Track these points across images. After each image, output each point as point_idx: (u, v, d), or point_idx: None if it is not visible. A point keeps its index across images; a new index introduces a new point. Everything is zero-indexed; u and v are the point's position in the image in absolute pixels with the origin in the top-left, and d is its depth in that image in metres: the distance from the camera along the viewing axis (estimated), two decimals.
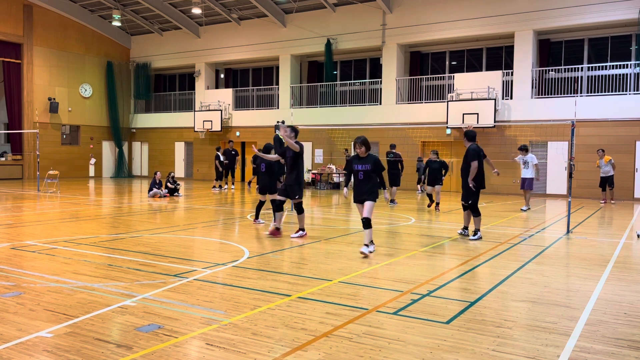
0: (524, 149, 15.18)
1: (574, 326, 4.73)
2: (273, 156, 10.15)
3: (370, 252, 7.89)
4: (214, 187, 21.20)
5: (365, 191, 7.92)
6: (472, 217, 9.87)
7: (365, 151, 8.02)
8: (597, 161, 17.82)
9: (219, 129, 27.28)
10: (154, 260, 7.31)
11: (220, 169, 21.12)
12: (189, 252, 8.19)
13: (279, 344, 4.20)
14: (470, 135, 9.87)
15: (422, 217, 13.11)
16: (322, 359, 3.92)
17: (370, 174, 7.93)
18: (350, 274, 6.69)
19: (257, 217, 11.16)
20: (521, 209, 14.91)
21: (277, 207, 9.69)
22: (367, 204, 7.85)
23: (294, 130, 9.41)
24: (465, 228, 9.95)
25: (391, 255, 8.02)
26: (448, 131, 22.06)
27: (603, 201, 17.84)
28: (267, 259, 7.60)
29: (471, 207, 9.71)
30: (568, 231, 10.64)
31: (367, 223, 7.86)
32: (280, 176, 10.87)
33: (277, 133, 15.01)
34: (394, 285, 6.14)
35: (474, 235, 9.59)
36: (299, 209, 9.51)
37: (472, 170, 9.49)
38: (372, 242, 8.02)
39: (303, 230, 9.57)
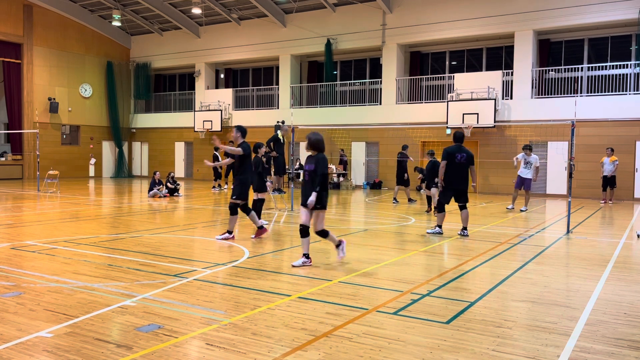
0: (529, 149, 14.98)
1: (574, 326, 4.73)
2: (225, 161, 9.70)
3: (306, 263, 7.08)
4: (214, 187, 21.22)
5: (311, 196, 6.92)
6: (465, 217, 10.04)
7: (310, 148, 7.03)
8: (603, 158, 17.71)
9: (219, 129, 27.27)
10: (154, 260, 7.31)
11: (220, 170, 21.17)
12: (189, 252, 8.19)
13: (279, 344, 4.20)
14: (455, 136, 10.06)
15: (422, 218, 13.10)
16: (322, 359, 3.92)
17: (315, 175, 6.92)
18: (350, 274, 6.68)
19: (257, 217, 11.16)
20: (520, 210, 14.84)
21: (232, 210, 9.15)
22: (319, 215, 7.00)
23: (240, 129, 9.14)
24: (464, 229, 9.95)
25: (391, 255, 8.01)
26: (448, 131, 22.02)
27: (603, 201, 17.83)
28: (267, 259, 7.60)
29: (438, 203, 10.10)
30: (568, 231, 10.64)
31: (324, 233, 7.09)
32: (266, 175, 10.87)
33: (276, 133, 15.02)
34: (394, 285, 6.14)
35: (433, 229, 10.10)
36: (232, 210, 9.08)
37: (439, 169, 9.95)
38: (307, 255, 7.12)
39: (230, 233, 9.15)
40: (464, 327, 4.64)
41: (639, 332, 4.61)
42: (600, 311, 5.21)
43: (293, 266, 7.00)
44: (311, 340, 4.27)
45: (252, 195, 10.50)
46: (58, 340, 4.21)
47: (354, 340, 4.30)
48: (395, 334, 4.45)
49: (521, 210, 14.74)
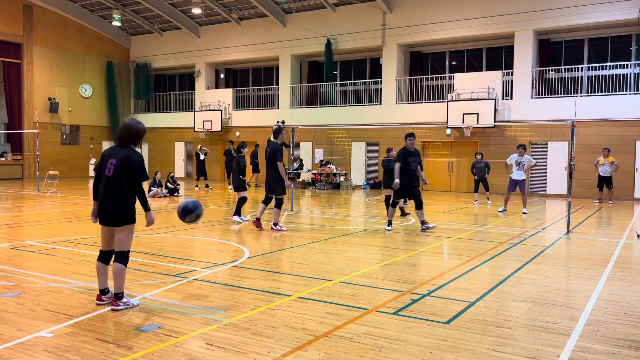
0: (523, 148, 14.19)
1: (574, 326, 4.73)
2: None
3: (130, 305, 5.04)
4: (197, 186, 21.78)
5: (112, 205, 5.06)
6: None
7: (126, 137, 5.16)
8: (602, 160, 17.56)
9: (219, 129, 27.28)
10: (154, 260, 7.31)
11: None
12: (189, 252, 8.19)
13: (279, 344, 4.20)
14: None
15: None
16: (322, 359, 3.92)
17: (119, 176, 5.05)
18: (350, 274, 6.68)
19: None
20: (500, 210, 14.41)
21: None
22: (121, 234, 5.10)
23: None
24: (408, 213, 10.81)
25: (391, 255, 8.02)
26: (448, 131, 22.04)
27: (597, 201, 17.83)
28: (267, 259, 7.60)
29: (393, 202, 10.85)
30: (568, 231, 10.64)
31: (123, 256, 5.08)
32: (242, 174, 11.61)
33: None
34: (394, 285, 6.14)
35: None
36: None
37: (395, 171, 10.48)
38: (121, 295, 5.03)
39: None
40: (464, 327, 4.64)
41: (639, 332, 4.61)
42: (600, 311, 5.20)
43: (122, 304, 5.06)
44: (311, 340, 4.27)
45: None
46: (58, 340, 4.21)
47: (354, 340, 4.30)
48: (395, 334, 4.44)
49: (523, 213, 14.08)
